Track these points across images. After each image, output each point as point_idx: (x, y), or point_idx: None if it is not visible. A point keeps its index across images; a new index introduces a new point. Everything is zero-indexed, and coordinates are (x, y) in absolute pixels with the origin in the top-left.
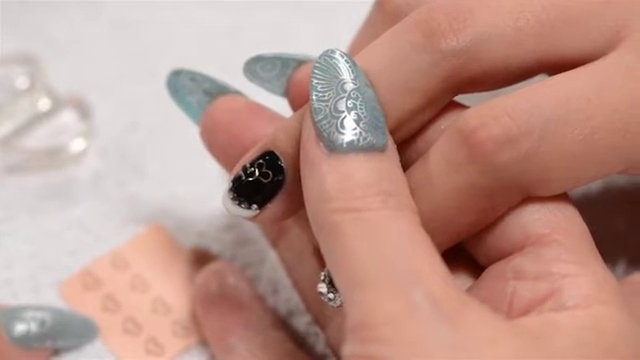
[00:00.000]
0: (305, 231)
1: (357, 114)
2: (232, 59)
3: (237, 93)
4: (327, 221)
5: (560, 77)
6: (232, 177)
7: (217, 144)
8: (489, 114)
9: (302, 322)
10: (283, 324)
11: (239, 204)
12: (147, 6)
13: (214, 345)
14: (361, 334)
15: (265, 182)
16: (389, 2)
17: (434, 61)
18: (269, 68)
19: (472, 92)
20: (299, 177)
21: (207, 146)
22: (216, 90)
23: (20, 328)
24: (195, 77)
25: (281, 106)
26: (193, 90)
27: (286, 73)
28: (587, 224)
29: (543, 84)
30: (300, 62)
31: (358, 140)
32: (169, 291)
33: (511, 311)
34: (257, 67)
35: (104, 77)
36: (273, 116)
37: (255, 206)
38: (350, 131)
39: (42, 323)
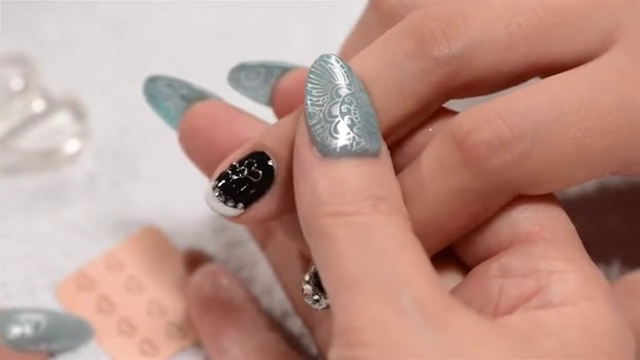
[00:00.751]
0: (289, 236)
1: (351, 119)
2: (226, 60)
3: (215, 98)
4: (318, 225)
5: (553, 79)
6: (218, 174)
7: (196, 149)
8: (482, 118)
9: (296, 324)
10: (277, 326)
11: (225, 202)
12: (141, 6)
13: (208, 347)
14: (347, 337)
15: (254, 181)
16: (383, 2)
17: (427, 68)
18: (253, 76)
19: (465, 97)
20: (288, 178)
21: (185, 151)
22: (194, 95)
23: (15, 331)
24: (172, 83)
25: (265, 114)
26: (170, 96)
27: (270, 81)
28: (582, 224)
29: (536, 86)
30: (284, 70)
31: (351, 145)
32: (164, 292)
33: (498, 309)
34: (241, 75)
35: (98, 78)
36: (252, 120)
37: (241, 205)
38: (344, 136)
39: (37, 326)
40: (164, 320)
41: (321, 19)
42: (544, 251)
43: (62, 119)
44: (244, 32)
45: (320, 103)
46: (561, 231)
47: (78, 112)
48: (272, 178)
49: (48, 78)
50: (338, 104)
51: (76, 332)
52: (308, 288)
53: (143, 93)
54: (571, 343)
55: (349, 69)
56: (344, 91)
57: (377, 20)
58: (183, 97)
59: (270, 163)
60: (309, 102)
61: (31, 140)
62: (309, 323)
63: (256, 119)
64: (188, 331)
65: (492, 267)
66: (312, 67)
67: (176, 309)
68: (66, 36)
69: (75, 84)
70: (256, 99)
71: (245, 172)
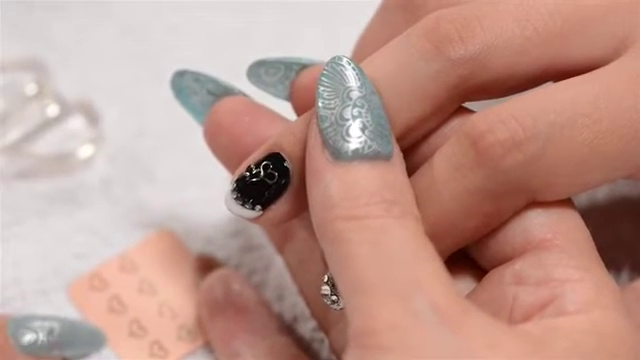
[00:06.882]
0: (313, 236)
1: (363, 122)
2: (240, 62)
3: (241, 94)
4: (330, 228)
5: (567, 82)
6: (236, 177)
7: (220, 145)
8: (496, 118)
9: (307, 328)
10: (288, 330)
11: (242, 204)
12: (154, 10)
13: (219, 350)
14: (362, 341)
15: (270, 183)
16: None
17: (442, 69)
18: (272, 72)
19: (479, 100)
20: (304, 179)
21: (210, 147)
22: (220, 91)
23: (28, 337)
24: (199, 78)
25: (286, 108)
26: (197, 91)
27: (289, 77)
28: (592, 231)
29: (550, 89)
30: (303, 66)
31: (363, 148)
32: (176, 295)
33: (512, 316)
34: (261, 71)
35: (112, 82)
36: (276, 117)
37: (259, 207)
38: (356, 139)
39: (50, 332)
40: (175, 323)
41: (334, 21)
42: (558, 259)
43: (76, 123)
44: (257, 34)
45: (332, 106)
46: (575, 237)
47: (92, 116)
48: (288, 179)
49: (62, 83)
50: (350, 107)
51: (89, 339)
52: (326, 289)
53: (170, 87)
54: (583, 347)
55: (361, 71)
56: (356, 94)
57: (396, 4)
58: (210, 92)
59: (286, 164)
60: (321, 105)
61: (46, 144)
62: (324, 325)
63: (280, 116)
64: (198, 334)
65: (506, 273)
66: (324, 69)
67: (187, 312)
68: (80, 40)
69: (89, 88)
70: (276, 94)
71: (261, 174)
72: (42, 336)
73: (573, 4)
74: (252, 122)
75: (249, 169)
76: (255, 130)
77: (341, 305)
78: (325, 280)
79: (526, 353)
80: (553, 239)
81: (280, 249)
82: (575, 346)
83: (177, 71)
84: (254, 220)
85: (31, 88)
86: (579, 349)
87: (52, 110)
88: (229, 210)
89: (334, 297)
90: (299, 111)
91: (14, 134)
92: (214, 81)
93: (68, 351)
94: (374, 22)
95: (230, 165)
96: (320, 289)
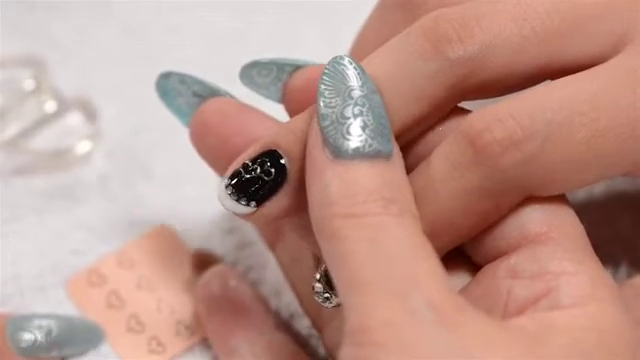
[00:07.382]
0: (300, 235)
1: (363, 121)
2: (240, 62)
3: (227, 95)
4: (329, 226)
5: (564, 80)
6: (230, 173)
7: (207, 146)
8: (494, 117)
9: (304, 325)
10: (286, 326)
11: (237, 200)
12: (153, 8)
13: (217, 347)
14: (358, 338)
15: (267, 180)
16: None
17: (441, 69)
18: (265, 73)
19: (478, 99)
20: (301, 176)
21: (196, 148)
22: (206, 92)
23: (26, 338)
24: (184, 79)
25: (278, 110)
26: (182, 92)
27: (282, 78)
28: (589, 226)
29: (547, 87)
30: (296, 67)
31: (364, 147)
32: (174, 291)
33: (507, 310)
34: (253, 72)
35: (110, 79)
36: (264, 117)
37: (253, 203)
38: (356, 137)
39: (48, 332)
40: (173, 319)
41: (334, 21)
42: (553, 252)
43: (74, 120)
44: (256, 34)
45: (333, 105)
46: (569, 231)
47: (90, 113)
48: (284, 177)
49: (60, 79)
50: (351, 106)
51: (88, 337)
52: (319, 286)
53: (156, 89)
54: (581, 343)
55: (362, 70)
56: (357, 93)
57: (395, 3)
58: (195, 94)
59: (282, 162)
60: (322, 104)
61: (43, 140)
62: (317, 323)
63: (267, 116)
64: (196, 330)
65: (501, 268)
66: (325, 68)
67: (185, 308)
68: (78, 38)
69: (87, 85)
70: (268, 96)
71: (258, 170)
72: (40, 337)
73: (571, 2)
74: (239, 122)
75: (245, 165)
76: (243, 130)
77: (333, 303)
78: (317, 278)
79: (522, 352)
80: (548, 232)
81: (272, 247)
82: (571, 341)
83: (162, 73)
84: (247, 216)
85: (29, 84)
86: (576, 345)
87: (50, 106)
88: (222, 205)
89: (326, 294)
90: (292, 113)
91: (12, 130)
92: (200, 83)
93: (67, 350)
94: (372, 20)
95: (217, 165)
96: (312, 287)
